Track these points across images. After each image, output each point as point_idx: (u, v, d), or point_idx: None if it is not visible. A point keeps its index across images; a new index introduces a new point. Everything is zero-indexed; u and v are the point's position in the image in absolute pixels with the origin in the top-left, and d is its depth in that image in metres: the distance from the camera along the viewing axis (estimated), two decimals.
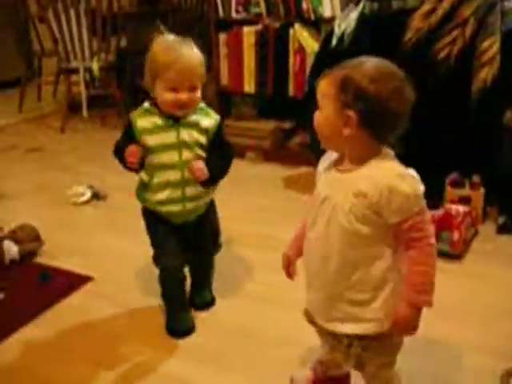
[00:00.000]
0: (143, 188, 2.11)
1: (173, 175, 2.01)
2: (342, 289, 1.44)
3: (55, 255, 2.67)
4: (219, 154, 2.05)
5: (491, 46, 2.80)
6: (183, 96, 1.92)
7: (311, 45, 3.55)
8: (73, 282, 2.46)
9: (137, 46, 5.38)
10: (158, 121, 1.99)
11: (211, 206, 2.22)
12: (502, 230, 2.78)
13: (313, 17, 3.56)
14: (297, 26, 3.59)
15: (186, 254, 2.17)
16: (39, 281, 2.47)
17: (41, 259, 2.66)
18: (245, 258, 2.63)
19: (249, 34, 3.76)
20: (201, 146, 2.02)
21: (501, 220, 2.82)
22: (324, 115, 1.41)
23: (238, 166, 3.54)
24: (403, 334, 1.45)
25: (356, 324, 1.44)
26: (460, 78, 2.89)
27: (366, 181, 1.36)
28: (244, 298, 2.34)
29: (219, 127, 2.06)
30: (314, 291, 1.52)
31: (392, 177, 1.34)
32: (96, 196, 3.33)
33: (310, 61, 3.51)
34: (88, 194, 3.31)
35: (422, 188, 1.38)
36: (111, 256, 2.68)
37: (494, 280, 2.41)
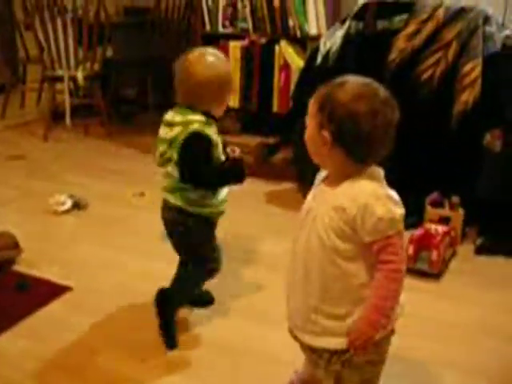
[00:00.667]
0: (205, 196, 2.07)
1: None
2: (319, 302, 1.44)
3: (34, 264, 2.66)
4: None
5: (473, 69, 2.84)
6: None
7: (296, 62, 3.58)
8: (51, 291, 2.45)
9: (123, 57, 5.40)
10: (216, 131, 2.04)
11: None
12: (480, 250, 2.81)
13: (299, 34, 3.59)
14: (283, 42, 3.62)
15: None
16: (17, 289, 2.45)
17: (19, 267, 2.64)
18: (227, 272, 2.63)
19: (235, 48, 3.78)
20: None
21: (479, 241, 2.85)
22: (308, 133, 1.43)
23: None
24: (351, 346, 1.44)
25: (332, 338, 1.45)
26: (442, 99, 2.93)
27: (345, 197, 1.37)
28: (227, 314, 2.34)
29: None
30: (293, 303, 1.53)
31: (369, 196, 1.35)
32: (77, 205, 3.32)
33: (294, 77, 3.53)
34: (69, 204, 3.30)
35: (400, 212, 1.37)
36: (90, 266, 2.67)
37: (472, 300, 2.43)
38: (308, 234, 1.45)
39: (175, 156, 1.98)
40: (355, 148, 1.37)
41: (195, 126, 1.96)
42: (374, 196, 1.35)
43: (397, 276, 1.39)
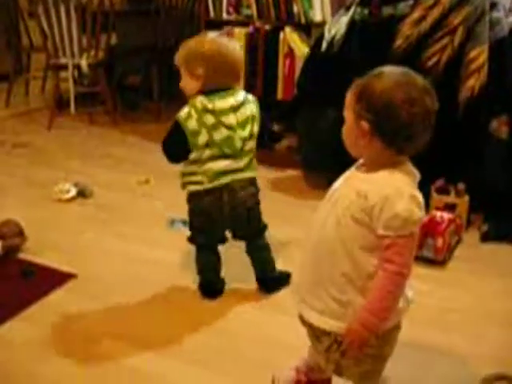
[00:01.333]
0: None
1: None
2: (326, 280, 1.44)
3: (39, 251, 2.66)
4: None
5: (479, 55, 2.82)
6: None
7: (301, 48, 3.56)
8: (56, 278, 2.45)
9: (127, 44, 5.38)
10: None
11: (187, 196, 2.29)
12: (486, 237, 2.80)
13: (303, 20, 3.57)
14: (287, 29, 3.60)
15: None
16: (22, 277, 2.46)
17: (24, 255, 2.64)
18: (230, 258, 2.63)
19: (239, 35, 3.76)
20: None
21: (484, 228, 2.84)
22: (347, 126, 1.43)
23: None
24: (349, 347, 1.44)
25: (331, 320, 1.45)
26: (448, 85, 2.90)
27: (371, 185, 1.37)
28: (229, 299, 2.33)
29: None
30: (303, 273, 1.54)
31: (393, 190, 1.34)
32: (81, 193, 3.32)
33: (299, 64, 3.50)
34: (74, 191, 3.30)
35: (419, 214, 1.36)
36: (95, 254, 2.67)
37: (476, 287, 2.42)
38: (327, 214, 1.45)
39: (256, 130, 2.21)
40: (394, 138, 1.36)
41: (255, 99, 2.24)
42: (398, 191, 1.34)
43: (399, 280, 1.38)
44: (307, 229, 1.55)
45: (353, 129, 1.39)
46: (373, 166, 1.41)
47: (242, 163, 2.20)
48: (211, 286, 2.37)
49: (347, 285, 1.42)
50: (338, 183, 1.50)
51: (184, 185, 2.24)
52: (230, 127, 2.12)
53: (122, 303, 2.30)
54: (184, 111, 2.11)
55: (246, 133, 2.16)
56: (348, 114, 1.41)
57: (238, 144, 2.15)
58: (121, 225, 2.97)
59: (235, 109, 2.14)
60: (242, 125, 2.15)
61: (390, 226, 1.34)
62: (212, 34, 2.22)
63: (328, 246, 1.43)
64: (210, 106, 2.09)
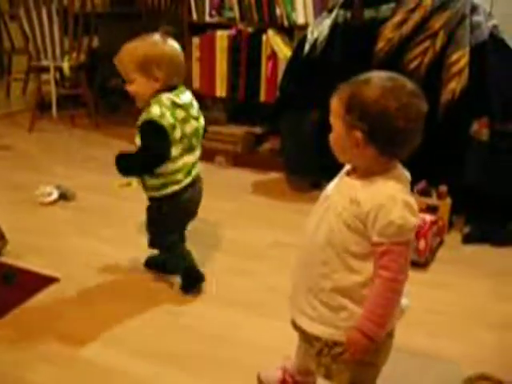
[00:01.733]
0: None
1: None
2: (316, 287, 1.44)
3: (20, 255, 2.64)
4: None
5: (460, 58, 2.84)
6: (127, 87, 2.21)
7: (284, 51, 3.57)
8: (38, 282, 2.43)
9: (109, 47, 5.36)
10: None
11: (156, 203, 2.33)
12: (467, 239, 2.82)
13: (286, 23, 3.58)
14: (270, 31, 3.61)
15: None
16: (3, 281, 2.43)
17: (5, 259, 2.62)
18: (210, 260, 2.62)
19: (222, 38, 3.77)
20: None
21: (466, 230, 2.86)
22: (335, 134, 1.40)
23: (207, 170, 3.56)
24: (350, 356, 1.43)
25: (324, 327, 1.45)
26: (429, 88, 2.89)
27: (364, 192, 1.36)
28: (209, 302, 2.33)
29: (141, 126, 2.19)
30: (296, 279, 1.53)
31: (387, 198, 1.33)
32: (63, 196, 3.30)
33: (282, 67, 3.51)
34: (55, 194, 3.28)
35: (414, 222, 1.34)
36: (77, 257, 2.66)
37: (459, 288, 2.44)
38: (319, 221, 1.44)
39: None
40: (388, 145, 1.34)
41: None
42: (392, 198, 1.33)
43: (396, 287, 1.37)
44: (299, 234, 1.54)
45: (343, 138, 1.37)
46: (365, 173, 1.39)
47: (198, 152, 2.33)
48: (197, 272, 2.38)
49: (339, 292, 1.41)
50: (329, 189, 1.48)
51: (160, 189, 2.26)
52: (196, 119, 2.26)
53: (105, 306, 2.29)
54: (154, 111, 2.14)
55: (202, 123, 2.31)
56: (336, 123, 1.38)
57: (201, 134, 2.31)
58: (103, 228, 2.96)
59: (192, 102, 2.27)
60: (199, 116, 2.30)
61: (384, 233, 1.33)
62: (156, 36, 2.26)
63: (320, 253, 1.42)
64: (178, 100, 2.18)
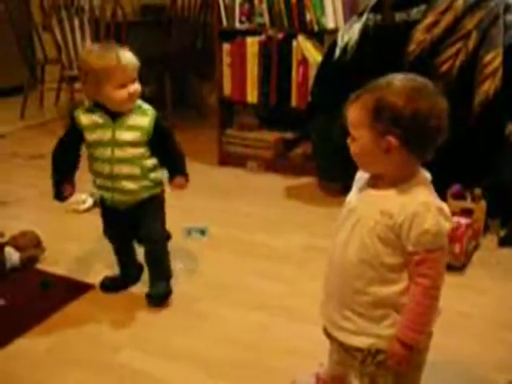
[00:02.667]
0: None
1: (103, 167, 2.28)
2: (353, 302, 1.43)
3: (57, 262, 2.68)
4: (173, 154, 2.31)
5: (494, 58, 2.80)
6: (132, 88, 2.17)
7: (314, 56, 3.56)
8: (74, 289, 2.46)
9: (140, 55, 5.40)
10: (99, 119, 2.21)
11: (156, 200, 2.35)
12: (503, 242, 2.79)
13: (316, 28, 3.57)
14: (300, 37, 3.60)
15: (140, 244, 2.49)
16: (40, 288, 2.47)
17: (42, 266, 2.66)
18: (242, 265, 2.63)
19: (252, 44, 3.77)
20: (135, 144, 2.21)
21: (502, 233, 2.82)
22: (360, 145, 1.36)
23: (239, 176, 3.57)
24: (396, 368, 1.43)
25: (364, 337, 1.44)
26: (462, 90, 2.89)
27: (394, 202, 1.34)
28: (238, 307, 2.34)
29: (156, 124, 2.23)
30: (329, 295, 1.52)
31: (420, 206, 1.31)
32: (98, 204, 3.33)
33: (312, 72, 3.51)
34: (90, 202, 3.31)
35: (448, 226, 1.33)
36: (112, 264, 2.67)
37: (495, 292, 2.41)
38: (349, 234, 1.42)
39: None
40: (424, 146, 1.34)
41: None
42: (425, 206, 1.31)
43: (432, 293, 1.36)
44: (329, 246, 1.52)
45: (370, 147, 1.34)
46: (392, 181, 1.37)
47: None
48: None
49: (377, 304, 1.40)
50: (352, 202, 1.45)
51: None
52: None
53: (141, 313, 2.30)
54: (150, 108, 2.29)
55: None
56: (362, 133, 1.35)
57: None
58: None
59: None
60: None
61: (420, 242, 1.32)
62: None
63: (352, 269, 1.41)
64: None
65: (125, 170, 2.24)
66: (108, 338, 2.16)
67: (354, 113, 1.36)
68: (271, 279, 2.53)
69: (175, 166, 2.31)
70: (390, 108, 1.30)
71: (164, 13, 5.25)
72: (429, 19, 2.97)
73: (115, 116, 2.20)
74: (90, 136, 2.23)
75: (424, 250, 1.32)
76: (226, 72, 3.94)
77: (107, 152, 2.22)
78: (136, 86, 2.20)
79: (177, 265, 2.57)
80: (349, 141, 1.40)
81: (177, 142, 2.32)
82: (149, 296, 2.36)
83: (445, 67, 2.92)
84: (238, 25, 3.86)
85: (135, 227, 2.37)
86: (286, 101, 3.76)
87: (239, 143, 3.90)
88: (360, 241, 1.39)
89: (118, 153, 2.22)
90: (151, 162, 2.26)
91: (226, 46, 3.90)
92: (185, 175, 2.30)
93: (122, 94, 2.14)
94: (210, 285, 2.48)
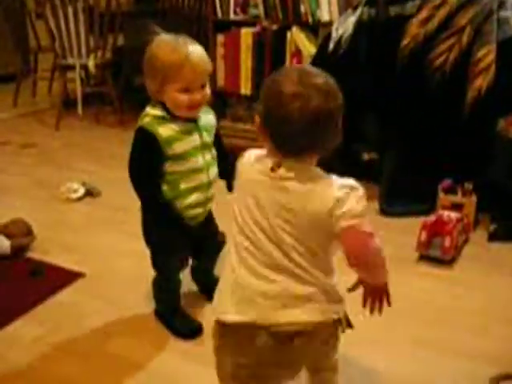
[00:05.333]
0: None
1: (200, 178, 1.98)
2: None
3: (47, 251, 2.67)
4: (224, 152, 2.13)
5: (487, 54, 2.82)
6: (198, 96, 1.87)
7: (308, 48, 3.56)
8: (64, 277, 2.46)
9: (134, 45, 5.39)
10: (179, 126, 1.91)
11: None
12: (493, 237, 2.80)
13: (310, 20, 3.57)
14: (294, 29, 3.60)
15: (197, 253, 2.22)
16: (31, 276, 2.47)
17: (33, 254, 2.66)
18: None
19: (246, 35, 3.77)
20: (212, 144, 2.04)
21: (492, 228, 2.83)
22: None
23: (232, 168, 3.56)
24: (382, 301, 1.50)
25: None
26: (455, 85, 2.91)
27: None
28: None
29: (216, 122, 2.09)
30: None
31: None
32: (90, 193, 3.33)
33: (307, 64, 3.50)
34: (81, 191, 3.31)
35: None
36: (104, 253, 2.69)
37: (484, 286, 2.42)
38: None
39: None
40: (273, 131, 1.35)
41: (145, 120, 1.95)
42: None
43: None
44: None
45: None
46: None
47: None
48: None
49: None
50: None
51: None
52: None
53: (132, 302, 2.30)
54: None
55: None
56: None
57: None
58: (129, 224, 2.96)
59: None
60: None
61: None
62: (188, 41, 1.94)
63: None
64: None
65: (212, 174, 2.03)
66: (97, 327, 2.16)
67: None
68: None
69: (226, 165, 2.07)
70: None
71: (159, 3, 5.24)
72: (423, 13, 2.98)
73: (188, 119, 1.94)
74: (180, 147, 1.91)
75: None
76: (220, 63, 3.93)
77: (199, 159, 1.97)
78: (203, 94, 1.89)
79: None
80: None
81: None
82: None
83: (438, 62, 2.93)
84: (232, 16, 3.85)
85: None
86: None
87: (233, 135, 3.89)
88: None
89: (208, 156, 2.00)
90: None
91: (221, 38, 3.90)
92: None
93: (184, 99, 1.86)
94: None
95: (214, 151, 2.04)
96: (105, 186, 3.41)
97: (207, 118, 2.02)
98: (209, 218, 2.17)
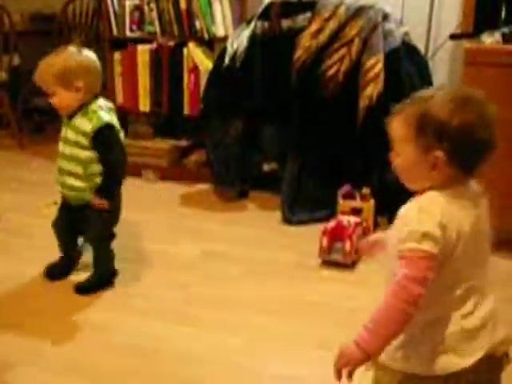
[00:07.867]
0: None
1: (59, 163, 2.38)
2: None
3: None
4: (104, 166, 2.35)
5: (375, 64, 2.94)
6: (50, 100, 2.29)
7: (205, 63, 3.59)
8: None
9: (31, 64, 5.27)
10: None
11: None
12: None
13: (206, 36, 3.60)
14: (191, 44, 3.63)
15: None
16: None
17: None
18: (141, 274, 2.62)
19: (143, 52, 3.77)
20: (82, 146, 2.30)
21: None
22: (403, 160, 1.30)
23: (135, 185, 3.54)
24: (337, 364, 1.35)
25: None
26: (348, 95, 3.02)
27: None
28: (141, 316, 2.33)
29: (98, 133, 2.28)
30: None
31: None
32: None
33: (204, 79, 3.52)
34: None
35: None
36: (2, 279, 2.60)
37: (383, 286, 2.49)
38: None
39: None
40: (472, 158, 1.25)
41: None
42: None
43: (397, 291, 1.31)
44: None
45: (415, 163, 1.27)
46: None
47: None
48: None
49: None
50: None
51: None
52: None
53: (32, 329, 2.24)
54: (104, 116, 2.29)
55: None
56: (407, 149, 1.28)
57: None
58: (30, 249, 2.90)
59: None
60: None
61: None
62: (70, 48, 2.33)
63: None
64: (110, 105, 2.40)
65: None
66: None
67: (397, 127, 1.31)
68: (169, 287, 2.53)
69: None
70: (433, 122, 1.22)
71: (54, 21, 5.15)
72: (314, 26, 3.07)
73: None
74: None
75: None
76: (118, 81, 3.91)
77: (61, 147, 2.40)
78: (52, 101, 2.31)
79: None
80: (392, 155, 1.34)
81: (111, 159, 2.35)
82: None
83: (330, 72, 3.03)
84: (128, 33, 3.84)
85: None
86: (178, 109, 3.77)
87: (134, 152, 3.86)
88: None
89: (69, 150, 2.35)
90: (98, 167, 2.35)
91: (117, 55, 3.87)
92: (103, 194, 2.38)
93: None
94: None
95: (81, 151, 2.33)
96: (3, 210, 3.30)
97: (84, 122, 2.29)
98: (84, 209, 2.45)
